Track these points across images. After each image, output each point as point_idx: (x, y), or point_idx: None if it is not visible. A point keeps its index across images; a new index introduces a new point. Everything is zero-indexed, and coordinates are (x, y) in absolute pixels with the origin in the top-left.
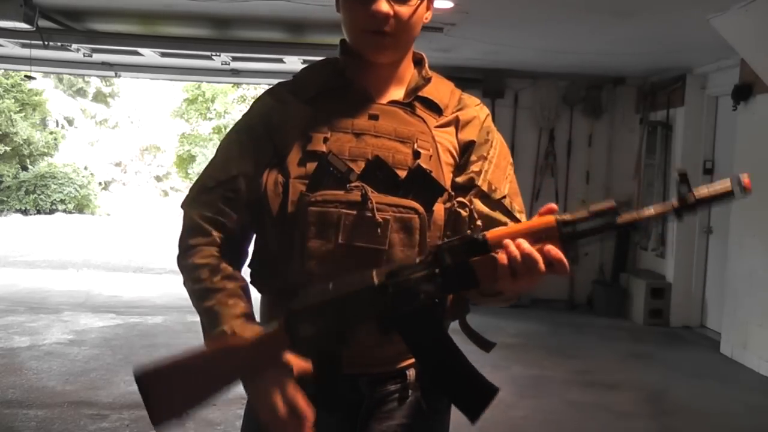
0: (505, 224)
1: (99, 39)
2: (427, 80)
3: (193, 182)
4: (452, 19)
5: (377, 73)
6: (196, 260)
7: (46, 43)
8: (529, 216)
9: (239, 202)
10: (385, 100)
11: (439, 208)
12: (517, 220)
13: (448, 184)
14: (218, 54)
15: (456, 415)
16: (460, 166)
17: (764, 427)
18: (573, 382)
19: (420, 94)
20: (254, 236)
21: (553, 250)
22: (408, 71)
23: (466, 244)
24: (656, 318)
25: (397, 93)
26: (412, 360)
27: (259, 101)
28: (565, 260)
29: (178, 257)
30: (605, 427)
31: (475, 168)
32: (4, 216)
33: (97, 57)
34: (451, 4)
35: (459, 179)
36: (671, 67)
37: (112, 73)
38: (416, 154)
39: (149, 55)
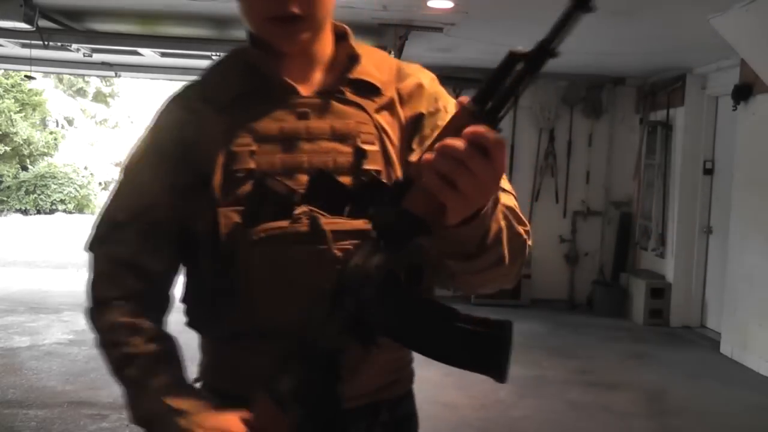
0: None
1: (99, 39)
2: (355, 59)
3: (96, 218)
4: (452, 19)
5: (294, 60)
6: (112, 319)
7: (46, 43)
8: (529, 215)
9: (159, 236)
10: (310, 90)
11: None
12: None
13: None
14: (218, 54)
15: (456, 415)
16: (410, 145)
17: (764, 427)
18: (573, 382)
19: (350, 76)
20: (184, 270)
21: (469, 129)
22: (329, 49)
23: (390, 194)
24: (656, 318)
25: (322, 78)
26: (380, 393)
27: (166, 113)
28: (485, 131)
29: (91, 312)
30: (605, 427)
31: (429, 142)
32: (4, 216)
33: (97, 57)
34: (451, 4)
35: (413, 157)
36: (671, 67)
37: (112, 73)
38: (360, 154)
39: (149, 55)
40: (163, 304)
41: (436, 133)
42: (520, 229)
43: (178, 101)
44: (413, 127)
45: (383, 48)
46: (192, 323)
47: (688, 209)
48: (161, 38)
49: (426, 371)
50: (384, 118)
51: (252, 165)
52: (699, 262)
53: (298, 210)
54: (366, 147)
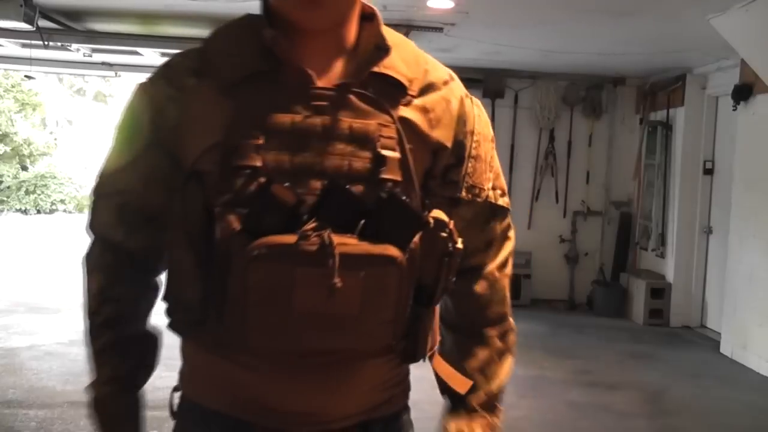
0: (481, 233)
1: (99, 39)
2: (384, 49)
3: (102, 164)
4: (452, 19)
5: (314, 43)
6: (89, 287)
7: (46, 43)
8: (529, 215)
9: (134, 216)
10: (329, 81)
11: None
12: (500, 209)
13: (418, 191)
14: None
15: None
16: (433, 174)
17: (764, 427)
18: (573, 383)
19: (375, 69)
20: (166, 265)
21: None
22: (353, 33)
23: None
24: (656, 318)
25: (343, 68)
26: (371, 413)
27: (150, 86)
28: None
29: (84, 257)
30: (605, 427)
31: (454, 176)
32: (4, 216)
33: (97, 57)
34: (451, 4)
35: (436, 188)
36: (671, 67)
37: (112, 73)
38: (379, 160)
39: (149, 55)
40: (141, 279)
41: (460, 167)
42: (508, 367)
43: (165, 73)
44: (435, 154)
45: None
46: (173, 326)
47: (688, 209)
48: (161, 38)
49: (426, 371)
50: (407, 125)
51: (258, 162)
52: (699, 262)
53: (308, 226)
54: (386, 153)
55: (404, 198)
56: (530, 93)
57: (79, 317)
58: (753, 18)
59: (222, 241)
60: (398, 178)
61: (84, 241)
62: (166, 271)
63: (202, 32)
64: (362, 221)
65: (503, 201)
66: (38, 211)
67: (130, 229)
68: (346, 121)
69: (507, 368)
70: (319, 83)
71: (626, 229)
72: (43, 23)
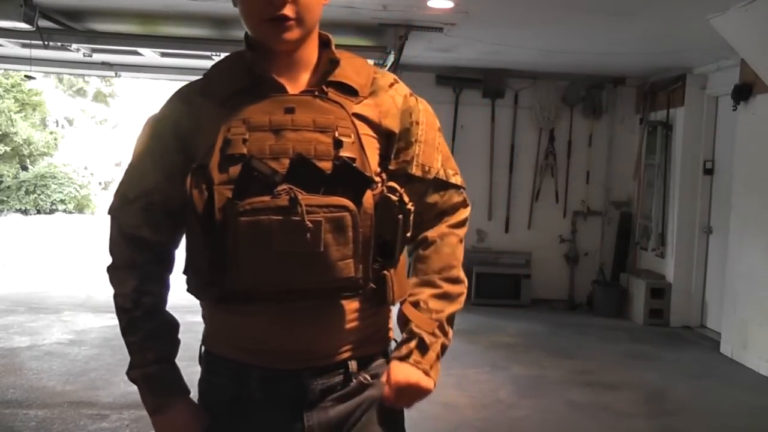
0: (435, 205)
1: (99, 39)
2: (335, 63)
3: (116, 187)
4: (452, 19)
5: (284, 62)
6: (122, 284)
7: (46, 43)
8: (529, 215)
9: (158, 214)
10: (297, 89)
11: (368, 197)
12: (451, 186)
13: (374, 168)
14: (218, 54)
15: (456, 415)
16: (388, 156)
17: (764, 426)
18: (573, 382)
19: (330, 78)
20: (184, 242)
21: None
22: (314, 55)
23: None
24: (656, 318)
25: (307, 79)
26: (353, 352)
27: (169, 106)
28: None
29: (108, 270)
30: (605, 427)
31: (405, 156)
32: (4, 216)
33: (97, 57)
34: (451, 4)
35: (392, 167)
36: (671, 67)
37: (112, 73)
38: (338, 143)
39: (149, 55)
40: (164, 272)
41: (410, 149)
42: (454, 305)
43: (179, 96)
44: (387, 140)
45: (383, 48)
46: (191, 290)
47: (688, 209)
48: (161, 38)
49: None
50: (360, 118)
51: (244, 150)
52: (699, 262)
53: (280, 188)
54: (343, 138)
55: (352, 159)
56: (530, 93)
57: (79, 317)
58: (753, 18)
59: (219, 210)
60: (354, 155)
61: (83, 241)
62: (185, 249)
63: (202, 32)
64: (323, 185)
65: (455, 179)
66: (38, 211)
67: (156, 227)
68: (311, 116)
69: (452, 306)
70: (290, 90)
71: (626, 229)
72: (43, 23)
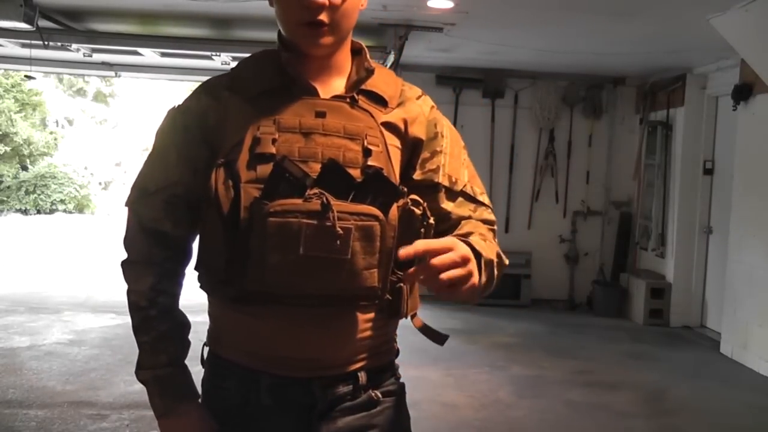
0: (467, 218)
1: (99, 39)
2: (370, 72)
3: (133, 179)
4: (452, 19)
5: (317, 66)
6: (137, 280)
7: (46, 43)
8: (529, 215)
9: (180, 207)
10: (328, 94)
11: (393, 208)
12: (481, 204)
13: (397, 179)
14: (218, 54)
15: (456, 415)
16: (413, 165)
17: (764, 427)
18: (572, 382)
19: (363, 87)
20: (198, 237)
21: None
22: (347, 62)
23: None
24: (656, 318)
25: (339, 86)
26: (363, 362)
27: (195, 98)
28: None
29: (122, 264)
30: (605, 427)
31: (431, 165)
32: (4, 216)
33: (97, 57)
34: (451, 4)
35: (417, 177)
36: (671, 67)
37: (112, 73)
38: (367, 152)
39: (149, 55)
40: (180, 269)
41: (435, 158)
42: (497, 265)
43: (206, 90)
44: (413, 149)
45: (383, 48)
46: (204, 286)
47: (688, 209)
48: (161, 38)
49: (426, 371)
50: (388, 127)
51: (273, 150)
52: (699, 262)
53: (311, 191)
54: (372, 147)
55: (381, 169)
56: (530, 93)
57: (79, 317)
58: (753, 18)
59: (246, 208)
60: (381, 165)
61: (83, 241)
62: (198, 244)
63: (202, 32)
64: (352, 192)
65: (483, 198)
66: (38, 211)
67: (177, 221)
68: (341, 123)
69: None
70: (321, 95)
71: (626, 229)
72: (43, 23)
